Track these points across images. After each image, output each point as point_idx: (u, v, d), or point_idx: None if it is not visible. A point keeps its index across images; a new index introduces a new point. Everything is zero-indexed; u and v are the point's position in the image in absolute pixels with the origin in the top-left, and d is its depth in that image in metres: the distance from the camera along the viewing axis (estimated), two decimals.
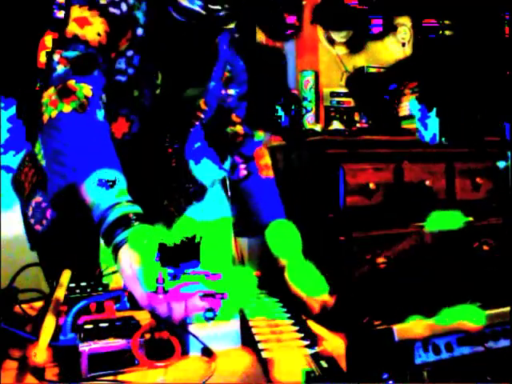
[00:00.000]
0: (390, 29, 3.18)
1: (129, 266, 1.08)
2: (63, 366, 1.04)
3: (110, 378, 1.00)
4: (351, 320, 1.52)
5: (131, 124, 1.52)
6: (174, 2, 1.39)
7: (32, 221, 1.69)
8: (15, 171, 1.81)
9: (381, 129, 2.83)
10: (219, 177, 2.01)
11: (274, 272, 1.68)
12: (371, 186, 2.49)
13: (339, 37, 3.04)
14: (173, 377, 1.02)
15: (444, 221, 2.60)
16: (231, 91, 1.80)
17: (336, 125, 2.77)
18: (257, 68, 1.85)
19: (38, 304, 1.38)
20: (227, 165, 1.89)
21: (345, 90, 2.99)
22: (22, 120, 2.43)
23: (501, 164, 2.90)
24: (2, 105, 2.66)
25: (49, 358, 0.97)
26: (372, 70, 3.00)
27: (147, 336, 1.07)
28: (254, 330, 1.23)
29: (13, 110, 2.66)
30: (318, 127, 2.79)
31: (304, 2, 2.81)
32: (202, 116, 1.70)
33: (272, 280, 1.69)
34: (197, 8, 1.38)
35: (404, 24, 3.24)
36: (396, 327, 1.56)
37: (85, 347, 1.00)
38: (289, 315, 1.39)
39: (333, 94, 2.96)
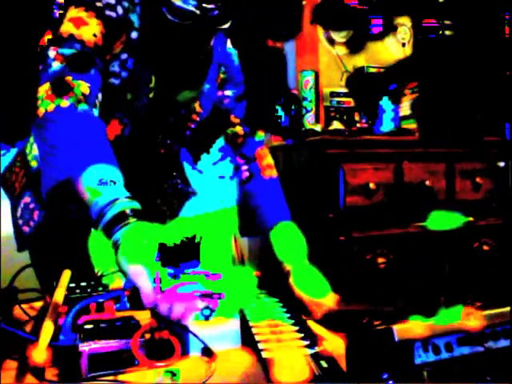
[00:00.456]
0: (390, 29, 3.18)
1: (133, 262, 1.08)
2: (63, 366, 1.04)
3: (110, 378, 1.00)
4: (351, 320, 1.52)
5: (124, 127, 1.53)
6: (168, 2, 1.39)
7: (20, 222, 1.69)
8: (5, 170, 1.81)
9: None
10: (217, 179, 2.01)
11: (277, 275, 1.68)
12: (371, 186, 2.49)
13: (339, 37, 3.04)
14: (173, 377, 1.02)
15: (444, 221, 2.60)
16: (228, 92, 1.80)
17: (336, 125, 2.77)
18: (257, 68, 1.85)
19: (38, 304, 1.38)
20: (229, 166, 1.90)
21: (345, 90, 2.99)
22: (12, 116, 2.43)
23: (501, 164, 2.90)
24: None
25: (49, 358, 0.97)
26: (372, 70, 3.00)
27: (147, 336, 1.07)
28: (253, 330, 1.23)
29: None
30: (318, 127, 2.79)
31: (304, 2, 2.81)
32: (198, 119, 1.70)
33: (272, 280, 1.69)
34: (191, 8, 1.38)
35: (404, 24, 3.24)
36: (396, 327, 1.56)
37: (85, 347, 1.00)
38: (289, 315, 1.39)
39: (333, 94, 2.96)
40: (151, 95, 1.51)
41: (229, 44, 1.74)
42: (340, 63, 3.02)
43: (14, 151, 1.81)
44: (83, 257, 1.54)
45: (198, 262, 1.37)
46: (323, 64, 3.00)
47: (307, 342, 1.17)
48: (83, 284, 1.25)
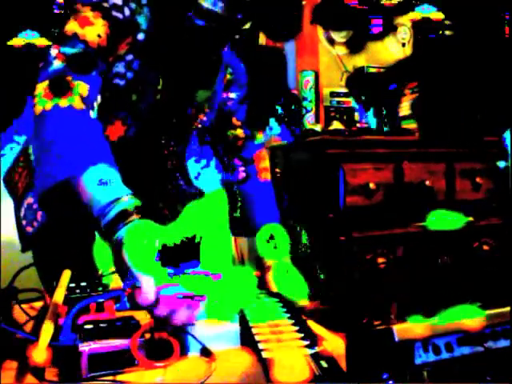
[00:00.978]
0: (390, 29, 3.18)
1: (137, 260, 1.09)
2: (63, 366, 1.04)
3: (110, 378, 1.00)
4: (351, 320, 1.52)
5: (128, 128, 1.52)
6: (196, 5, 1.40)
7: (24, 222, 1.69)
8: (7, 171, 1.80)
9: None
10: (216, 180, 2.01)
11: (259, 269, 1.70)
12: (371, 185, 2.49)
13: (339, 37, 3.04)
14: (172, 377, 1.02)
15: (444, 221, 2.60)
16: (232, 94, 1.80)
17: (336, 125, 2.77)
18: (257, 68, 1.85)
19: (38, 304, 1.38)
20: (225, 167, 1.90)
21: (345, 90, 2.99)
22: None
23: (501, 164, 2.90)
24: None
25: (49, 358, 0.97)
26: (372, 70, 3.00)
27: (147, 336, 1.07)
28: (253, 330, 1.23)
29: None
30: (318, 127, 2.80)
31: (304, 2, 2.81)
32: (205, 119, 1.70)
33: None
34: (218, 10, 1.39)
35: (404, 24, 3.24)
36: (396, 327, 1.57)
37: (85, 347, 1.00)
38: (289, 315, 1.39)
39: (333, 94, 2.96)
40: (158, 96, 1.50)
41: (233, 46, 1.75)
42: (340, 63, 3.03)
43: (16, 151, 1.80)
44: (86, 257, 1.54)
45: (198, 262, 1.37)
46: (323, 64, 3.01)
47: (307, 342, 1.17)
48: (83, 284, 1.25)
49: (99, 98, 1.35)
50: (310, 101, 2.94)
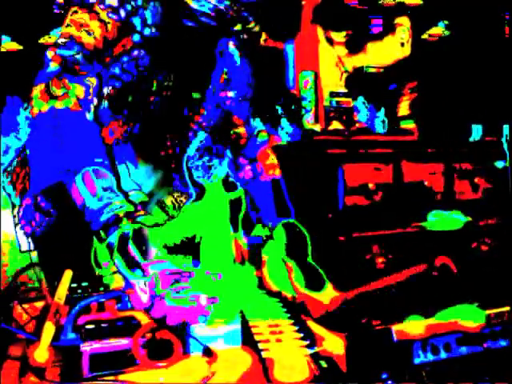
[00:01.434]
0: (390, 29, 3.18)
1: (128, 266, 1.09)
2: (65, 366, 1.04)
3: (111, 377, 1.00)
4: (351, 320, 1.53)
5: (125, 129, 1.53)
6: (184, 5, 1.41)
7: (22, 222, 1.70)
8: (5, 171, 1.81)
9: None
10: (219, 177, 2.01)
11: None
12: (370, 186, 2.49)
13: (339, 37, 3.04)
14: (173, 377, 1.02)
15: (443, 221, 2.61)
16: (230, 93, 1.81)
17: (335, 125, 2.77)
18: (257, 68, 1.85)
19: (39, 304, 1.38)
20: (231, 166, 1.91)
21: (344, 90, 2.99)
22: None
23: (499, 164, 2.90)
24: None
25: (50, 358, 0.97)
26: (371, 70, 3.00)
27: (148, 336, 1.07)
28: (253, 330, 1.24)
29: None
30: (318, 127, 2.80)
31: (304, 2, 2.81)
32: (200, 120, 1.71)
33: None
34: (207, 10, 1.40)
35: (403, 24, 3.24)
36: (395, 327, 1.57)
37: (86, 347, 1.01)
38: (289, 315, 1.40)
39: (332, 94, 2.96)
40: (153, 98, 1.51)
41: (231, 45, 1.75)
42: (340, 63, 3.03)
43: (13, 151, 1.81)
44: (87, 257, 1.55)
45: (198, 261, 1.38)
46: (323, 64, 3.01)
47: (307, 342, 1.18)
48: (84, 284, 1.25)
49: (95, 99, 1.37)
50: (310, 101, 2.94)
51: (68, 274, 1.30)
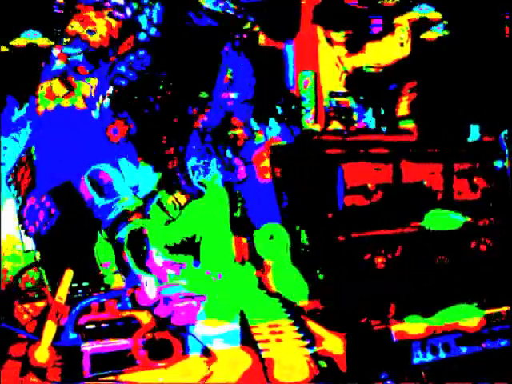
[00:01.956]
0: (389, 29, 3.18)
1: (138, 261, 1.10)
2: (65, 366, 1.04)
3: (112, 378, 1.01)
4: (350, 320, 1.53)
5: (129, 128, 1.53)
6: (196, 5, 1.42)
7: (27, 222, 1.70)
8: (10, 171, 1.81)
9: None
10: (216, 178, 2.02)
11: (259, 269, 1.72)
12: (370, 186, 2.50)
13: (339, 37, 3.05)
14: (173, 377, 1.02)
15: (442, 221, 2.61)
16: (233, 95, 1.81)
17: (335, 125, 2.78)
18: (257, 69, 1.86)
19: (40, 304, 1.38)
20: (226, 167, 1.91)
21: (344, 90, 2.99)
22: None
23: (498, 164, 2.90)
24: None
25: (51, 358, 0.97)
26: (371, 70, 3.00)
27: (148, 336, 1.08)
28: (253, 330, 1.24)
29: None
30: (317, 127, 2.80)
31: (303, 2, 2.82)
32: (206, 118, 1.71)
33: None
34: (219, 10, 1.41)
35: (402, 24, 3.24)
36: (394, 327, 1.57)
37: (87, 347, 1.01)
38: (289, 315, 1.40)
39: (332, 94, 2.96)
40: (159, 97, 1.52)
41: (236, 46, 1.76)
42: (339, 63, 3.03)
43: (18, 151, 1.81)
44: (89, 257, 1.55)
45: (198, 261, 1.38)
46: (323, 64, 3.01)
47: (307, 342, 1.18)
48: (85, 284, 1.25)
49: (101, 98, 1.37)
50: (310, 101, 2.95)
51: (69, 274, 1.30)
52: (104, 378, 1.02)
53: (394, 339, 1.55)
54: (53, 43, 1.39)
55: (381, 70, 3.04)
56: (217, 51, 1.62)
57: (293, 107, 2.74)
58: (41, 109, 1.26)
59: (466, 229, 2.68)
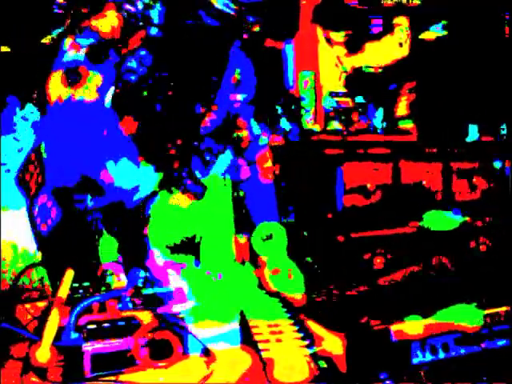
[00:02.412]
0: (389, 29, 3.18)
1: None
2: (66, 366, 1.05)
3: (112, 377, 1.01)
4: (350, 320, 1.54)
5: (139, 124, 1.53)
6: (207, 5, 1.42)
7: (38, 221, 1.69)
8: (19, 171, 1.81)
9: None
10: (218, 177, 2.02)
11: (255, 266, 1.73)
12: (369, 186, 2.50)
13: (339, 37, 3.05)
14: (173, 376, 1.03)
15: (441, 221, 2.62)
16: (239, 96, 1.82)
17: (334, 125, 2.78)
18: (257, 69, 1.86)
19: (40, 304, 1.39)
20: (230, 167, 1.91)
21: (343, 91, 2.99)
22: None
23: (497, 164, 2.91)
24: None
25: (52, 358, 0.98)
26: (370, 70, 3.01)
27: (149, 336, 1.08)
28: (253, 330, 1.24)
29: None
30: (317, 127, 2.80)
31: (303, 2, 2.82)
32: (214, 117, 1.72)
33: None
34: (229, 11, 1.41)
35: (401, 24, 3.24)
36: (393, 327, 1.58)
37: (88, 347, 1.01)
38: (289, 315, 1.40)
39: (332, 94, 2.96)
40: (169, 93, 1.52)
41: (244, 46, 1.76)
42: (339, 63, 3.03)
43: (26, 151, 1.80)
44: (92, 256, 1.55)
45: (198, 261, 1.38)
46: (322, 64, 3.01)
47: (307, 342, 1.19)
48: (86, 284, 1.26)
49: (113, 89, 1.37)
50: (309, 101, 2.95)
51: (70, 274, 1.31)
52: (104, 378, 1.03)
53: (394, 339, 1.56)
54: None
55: (380, 69, 3.04)
56: (225, 51, 1.62)
57: (293, 107, 2.75)
58: (52, 99, 1.26)
59: (465, 228, 2.69)
